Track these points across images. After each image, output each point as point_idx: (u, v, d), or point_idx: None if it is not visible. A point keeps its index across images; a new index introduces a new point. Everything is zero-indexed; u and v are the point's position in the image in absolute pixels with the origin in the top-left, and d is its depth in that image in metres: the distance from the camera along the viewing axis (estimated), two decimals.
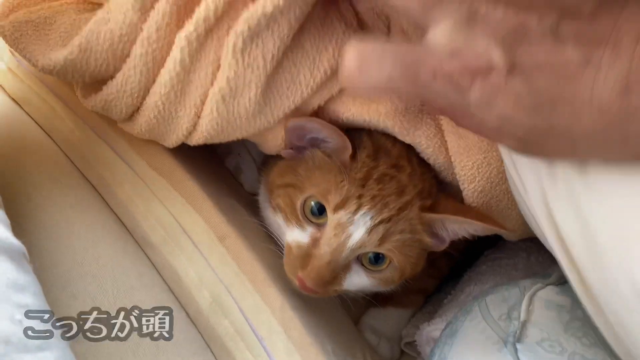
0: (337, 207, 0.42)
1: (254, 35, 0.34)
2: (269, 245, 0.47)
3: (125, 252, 0.43)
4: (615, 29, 0.27)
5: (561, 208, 0.33)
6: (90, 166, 0.47)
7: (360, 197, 0.42)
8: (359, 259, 0.45)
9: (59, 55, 0.39)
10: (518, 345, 0.37)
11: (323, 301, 0.50)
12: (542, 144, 0.30)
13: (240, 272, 0.42)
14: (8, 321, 0.24)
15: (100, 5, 0.40)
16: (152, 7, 0.35)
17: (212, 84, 0.37)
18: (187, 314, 0.43)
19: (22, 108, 0.51)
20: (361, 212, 0.42)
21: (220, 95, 0.36)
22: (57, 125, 0.49)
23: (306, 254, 0.43)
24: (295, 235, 0.45)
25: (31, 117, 0.50)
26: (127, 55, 0.38)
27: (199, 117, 0.39)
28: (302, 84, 0.37)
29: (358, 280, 0.45)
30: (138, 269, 0.43)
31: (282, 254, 0.46)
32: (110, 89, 0.40)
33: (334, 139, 0.42)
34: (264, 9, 0.32)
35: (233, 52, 0.34)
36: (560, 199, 0.33)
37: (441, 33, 0.28)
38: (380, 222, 0.43)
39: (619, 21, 0.27)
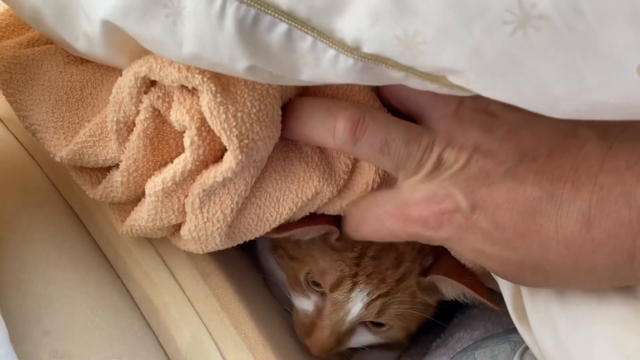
0: (333, 287, 0.43)
1: (210, 194, 0.35)
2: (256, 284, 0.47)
3: (103, 285, 0.42)
4: (573, 167, 0.29)
5: (540, 327, 0.35)
6: (73, 192, 0.45)
7: (355, 275, 0.43)
8: (364, 323, 0.46)
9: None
10: None
11: None
12: (519, 275, 0.32)
13: (222, 311, 0.41)
14: None
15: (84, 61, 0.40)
16: (127, 139, 0.36)
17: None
18: (166, 353, 0.41)
19: (6, 126, 0.49)
20: (357, 290, 0.43)
21: (190, 237, 0.37)
22: (41, 147, 0.47)
23: (311, 323, 0.46)
24: (301, 304, 0.47)
25: (15, 137, 0.49)
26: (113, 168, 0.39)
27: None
28: (269, 220, 0.37)
29: (363, 339, 0.47)
30: (116, 305, 0.41)
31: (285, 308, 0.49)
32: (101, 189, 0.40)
33: (320, 231, 0.41)
34: (215, 179, 0.34)
35: (192, 209, 0.35)
36: (539, 319, 0.35)
37: (410, 185, 0.33)
38: (378, 297, 0.43)
39: (576, 159, 0.29)
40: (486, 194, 0.31)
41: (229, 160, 0.33)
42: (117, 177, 0.38)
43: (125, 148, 0.36)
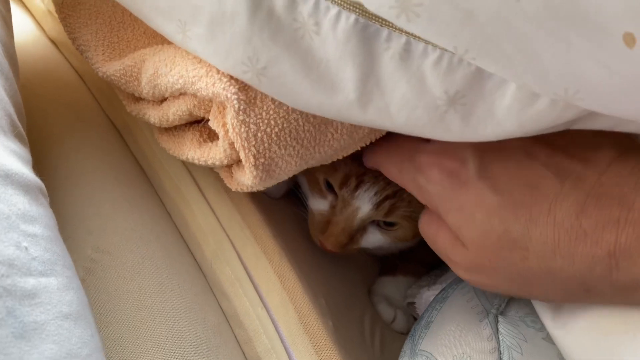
0: (341, 185, 0.46)
1: None
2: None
3: (141, 194, 0.46)
4: (582, 162, 0.31)
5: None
6: (116, 111, 0.50)
7: (362, 175, 0.45)
8: (375, 222, 0.49)
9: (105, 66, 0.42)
10: (500, 318, 0.38)
11: (331, 263, 0.53)
12: (496, 248, 0.33)
13: (244, 224, 0.45)
14: (13, 247, 0.26)
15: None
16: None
17: None
18: (194, 258, 0.46)
19: (59, 49, 0.53)
20: (362, 189, 0.45)
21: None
22: (89, 69, 0.52)
23: (326, 221, 0.48)
24: (317, 204, 0.49)
25: (66, 59, 0.53)
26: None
27: None
28: None
29: (374, 239, 0.50)
30: (152, 212, 0.46)
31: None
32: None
33: None
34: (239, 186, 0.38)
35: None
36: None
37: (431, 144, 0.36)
38: (385, 198, 0.46)
39: (587, 156, 0.31)
40: (495, 160, 0.33)
41: (247, 176, 0.35)
42: (150, 112, 0.42)
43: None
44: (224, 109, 0.35)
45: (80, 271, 0.38)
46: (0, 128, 0.31)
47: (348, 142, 0.38)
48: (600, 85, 0.26)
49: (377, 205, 0.46)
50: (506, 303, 0.40)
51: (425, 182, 0.35)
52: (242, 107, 0.33)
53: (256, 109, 0.33)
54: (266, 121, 0.33)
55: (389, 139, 0.39)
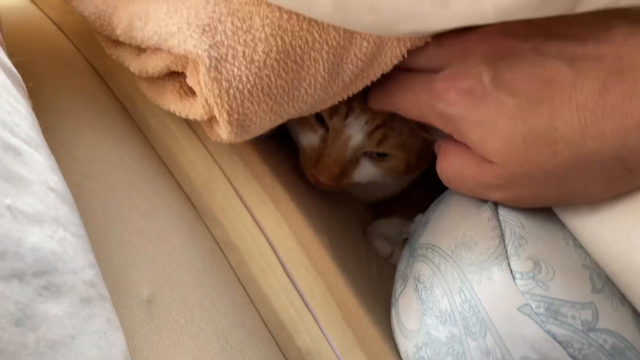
0: (331, 114, 0.45)
1: None
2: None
3: (126, 131, 0.45)
4: (596, 45, 0.30)
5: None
6: (97, 56, 0.49)
7: (349, 103, 0.44)
8: (367, 154, 0.48)
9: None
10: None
11: (324, 202, 0.52)
12: (524, 151, 0.32)
13: (234, 152, 0.44)
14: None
15: None
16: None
17: None
18: (182, 189, 0.45)
19: (35, 4, 0.53)
20: (352, 117, 0.45)
21: None
22: (68, 19, 0.51)
23: (317, 154, 0.48)
24: (308, 139, 0.48)
25: (44, 13, 0.52)
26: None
27: None
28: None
29: (366, 171, 0.49)
30: (137, 146, 0.45)
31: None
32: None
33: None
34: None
35: None
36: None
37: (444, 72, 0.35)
38: (376, 128, 0.45)
39: (600, 40, 0.30)
40: (508, 67, 0.32)
41: (223, 131, 0.35)
42: (128, 61, 0.41)
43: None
44: (197, 65, 0.35)
45: None
46: None
47: (323, 97, 0.38)
48: None
49: (369, 135, 0.45)
50: None
51: (445, 107, 0.35)
52: (213, 64, 0.33)
53: (228, 66, 0.33)
54: (238, 78, 0.33)
55: (397, 79, 0.39)
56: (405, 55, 0.36)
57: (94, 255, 0.30)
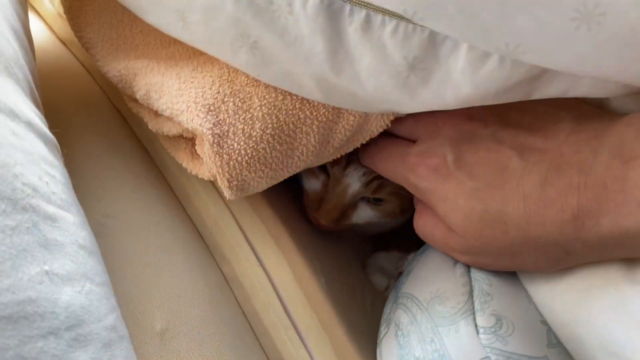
0: (332, 164, 0.49)
1: None
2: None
3: (145, 172, 0.50)
4: (543, 138, 0.35)
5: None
6: (122, 100, 0.53)
7: (350, 155, 0.47)
8: (364, 199, 0.52)
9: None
10: None
11: (326, 240, 0.56)
12: (479, 228, 0.36)
13: (248, 205, 0.48)
14: (36, 178, 0.29)
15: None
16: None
17: None
18: (195, 226, 0.49)
19: (68, 48, 0.58)
20: (351, 168, 0.49)
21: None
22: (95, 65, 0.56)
23: (319, 198, 0.52)
24: (311, 184, 0.53)
25: (75, 56, 0.57)
26: None
27: None
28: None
29: (364, 214, 0.53)
30: (155, 189, 0.49)
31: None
32: None
33: None
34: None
35: None
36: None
37: (416, 146, 0.40)
38: (373, 178, 0.49)
39: (548, 132, 0.35)
40: (469, 150, 0.37)
41: (224, 192, 0.41)
42: (147, 118, 0.46)
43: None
44: (203, 140, 0.40)
45: None
46: (22, 89, 0.35)
47: (315, 161, 0.43)
48: (536, 37, 0.29)
49: (366, 184, 0.49)
50: None
51: (416, 180, 0.39)
52: (216, 140, 0.38)
53: (229, 141, 0.39)
54: (237, 151, 0.39)
55: (379, 144, 0.43)
56: (389, 125, 0.41)
57: (115, 297, 0.34)
